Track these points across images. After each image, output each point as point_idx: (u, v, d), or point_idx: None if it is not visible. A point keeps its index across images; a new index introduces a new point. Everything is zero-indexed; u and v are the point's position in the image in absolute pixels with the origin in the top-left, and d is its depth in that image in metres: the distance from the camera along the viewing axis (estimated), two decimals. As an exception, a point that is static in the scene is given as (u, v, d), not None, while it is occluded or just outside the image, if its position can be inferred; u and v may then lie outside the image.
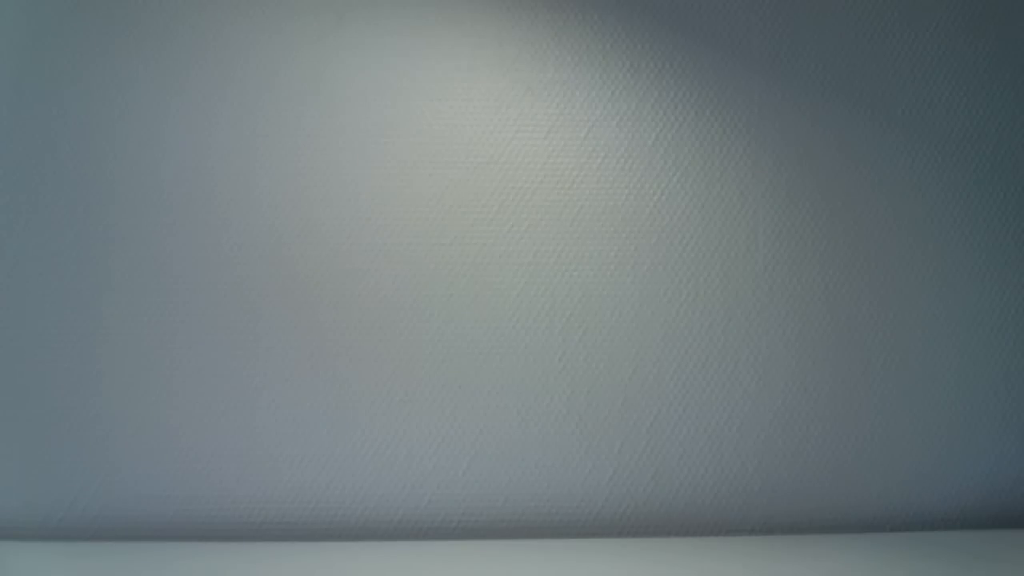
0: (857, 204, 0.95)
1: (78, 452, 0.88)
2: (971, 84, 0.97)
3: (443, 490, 0.90)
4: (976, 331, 0.95)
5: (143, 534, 0.87)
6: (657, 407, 0.92)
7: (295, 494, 0.89)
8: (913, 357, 0.94)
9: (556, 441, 0.91)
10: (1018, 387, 0.95)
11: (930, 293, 0.95)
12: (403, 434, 0.90)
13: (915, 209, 0.96)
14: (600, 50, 0.95)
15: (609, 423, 0.92)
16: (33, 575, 0.75)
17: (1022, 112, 0.97)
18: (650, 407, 0.92)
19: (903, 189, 0.96)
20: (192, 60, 0.92)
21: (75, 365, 0.89)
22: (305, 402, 0.90)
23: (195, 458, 0.89)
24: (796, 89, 0.96)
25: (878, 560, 0.79)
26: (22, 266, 0.89)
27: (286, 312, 0.90)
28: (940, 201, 0.96)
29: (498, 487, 0.90)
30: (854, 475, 0.93)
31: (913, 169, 0.96)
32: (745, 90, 0.96)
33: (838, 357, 0.94)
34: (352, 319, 0.91)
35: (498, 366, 0.91)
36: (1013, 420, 0.94)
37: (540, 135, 0.94)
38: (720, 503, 0.92)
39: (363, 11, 0.94)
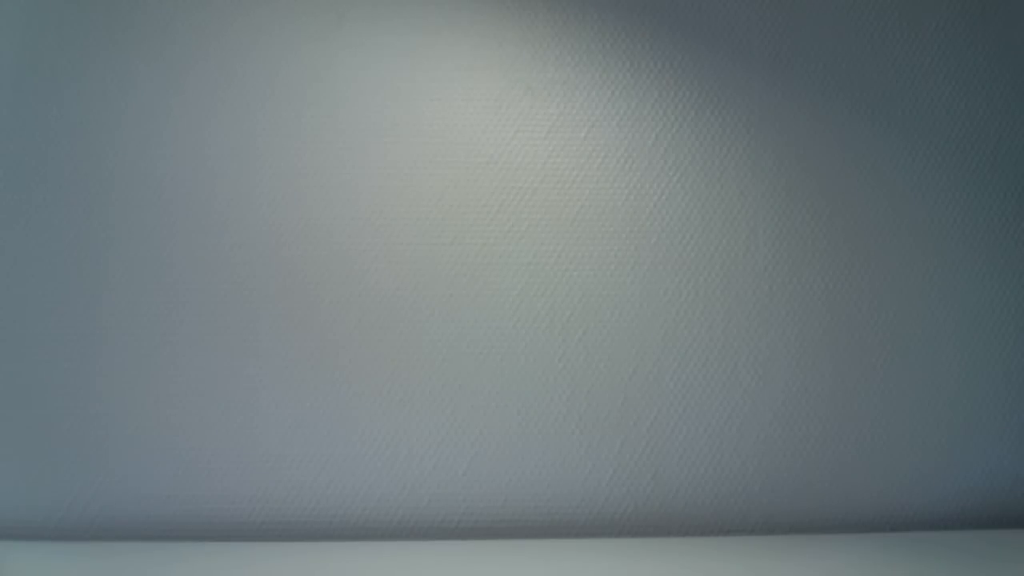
0: (857, 204, 0.95)
1: (78, 452, 0.88)
2: (971, 84, 0.97)
3: (443, 490, 0.90)
4: (976, 331, 0.95)
5: (143, 534, 0.87)
6: (657, 407, 0.92)
7: (295, 494, 0.89)
8: (913, 357, 0.94)
9: (556, 441, 0.91)
10: (1018, 387, 0.95)
11: (930, 293, 0.95)
12: (403, 434, 0.90)
13: (915, 209, 0.96)
14: (600, 50, 0.95)
15: (609, 423, 0.92)
16: (33, 575, 0.75)
17: (1022, 112, 0.97)
18: (650, 407, 0.92)
19: (903, 189, 0.96)
20: (192, 60, 0.92)
21: (75, 365, 0.89)
22: (305, 402, 0.90)
23: (195, 458, 0.89)
24: (796, 89, 0.96)
25: (878, 560, 0.79)
26: (22, 266, 0.89)
27: (286, 312, 0.90)
28: (940, 201, 0.96)
29: (498, 487, 0.90)
30: (854, 475, 0.93)
31: (913, 169, 0.96)
32: (745, 90, 0.96)
33: (838, 357, 0.94)
34: (352, 319, 0.91)
35: (498, 366, 0.91)
36: (1013, 420, 0.94)
37: (540, 135, 0.94)
38: (720, 503, 0.92)
39: (364, 11, 0.94)
